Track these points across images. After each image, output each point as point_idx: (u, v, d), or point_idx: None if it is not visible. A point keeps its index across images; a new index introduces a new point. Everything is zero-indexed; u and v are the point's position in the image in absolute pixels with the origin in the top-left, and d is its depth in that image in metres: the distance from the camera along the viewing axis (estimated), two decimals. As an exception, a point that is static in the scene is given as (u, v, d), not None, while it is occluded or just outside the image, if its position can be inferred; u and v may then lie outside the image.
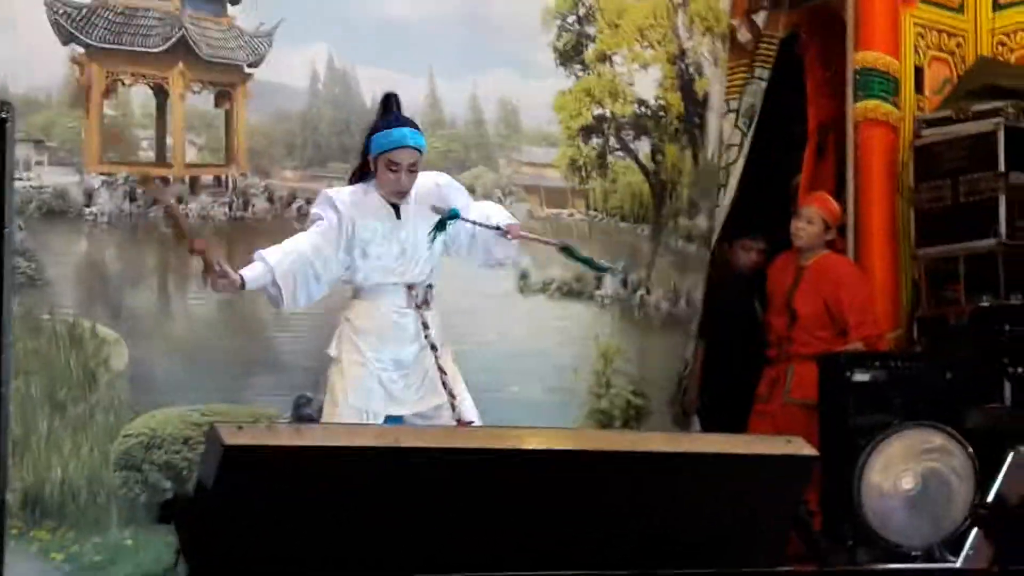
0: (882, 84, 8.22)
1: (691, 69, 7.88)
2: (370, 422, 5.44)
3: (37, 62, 6.17)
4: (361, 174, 5.71)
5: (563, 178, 7.46)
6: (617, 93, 7.58)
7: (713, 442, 4.50)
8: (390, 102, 5.71)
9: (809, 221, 7.71)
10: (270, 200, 6.53)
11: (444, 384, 5.51)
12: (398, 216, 5.67)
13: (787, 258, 7.87)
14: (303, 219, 6.13)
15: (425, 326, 5.61)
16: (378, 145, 5.60)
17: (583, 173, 7.49)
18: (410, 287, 5.64)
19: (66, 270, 6.21)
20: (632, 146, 7.65)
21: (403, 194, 5.65)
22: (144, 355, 6.31)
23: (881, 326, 7.71)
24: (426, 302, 5.66)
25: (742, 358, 7.97)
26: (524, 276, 7.24)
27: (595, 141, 7.53)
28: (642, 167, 7.67)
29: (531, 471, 3.90)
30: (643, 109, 7.66)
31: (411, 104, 6.89)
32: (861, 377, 7.22)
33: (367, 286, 5.63)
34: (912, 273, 8.19)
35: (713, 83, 7.97)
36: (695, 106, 7.91)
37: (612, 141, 7.58)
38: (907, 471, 6.85)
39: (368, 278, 5.62)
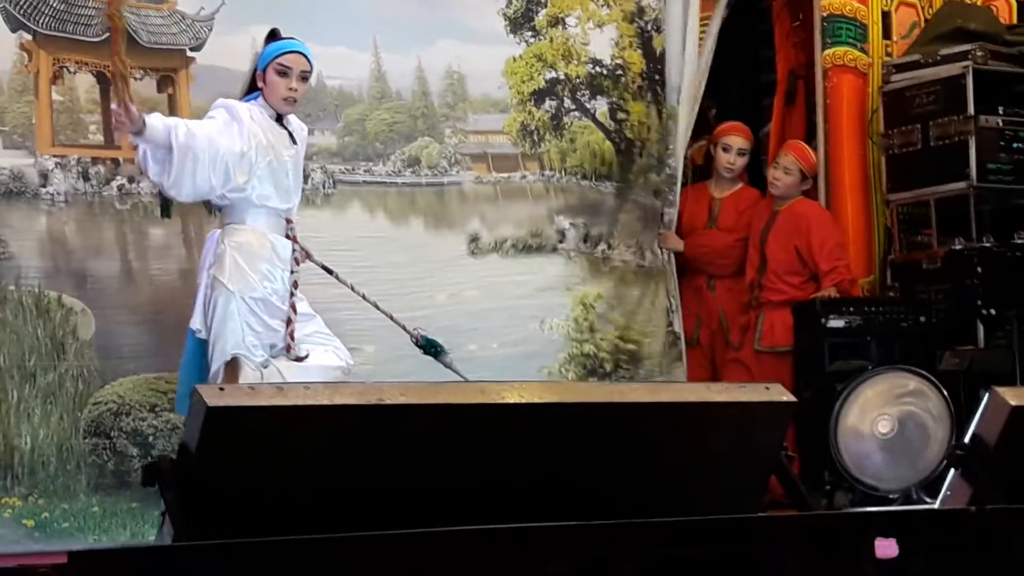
0: (850, 30, 8.24)
1: (649, 26, 7.87)
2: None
3: None
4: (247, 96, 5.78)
5: (513, 143, 7.50)
6: (571, 55, 7.60)
7: (693, 391, 4.53)
8: (276, 34, 5.81)
9: (786, 171, 7.76)
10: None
11: (289, 321, 5.64)
12: (293, 141, 5.76)
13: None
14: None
15: (297, 262, 5.72)
16: (267, 55, 5.72)
17: (535, 137, 7.53)
18: (288, 220, 5.75)
19: (29, 244, 6.29)
20: (588, 106, 7.67)
21: (293, 102, 5.74)
22: (110, 324, 6.39)
23: (854, 271, 7.75)
24: (295, 237, 5.76)
25: None
26: (475, 239, 7.29)
27: (548, 104, 7.57)
28: (601, 126, 7.70)
29: (513, 425, 3.92)
30: (598, 69, 7.67)
31: (358, 78, 6.98)
32: (836, 323, 7.28)
33: (255, 207, 5.66)
34: (884, 219, 8.23)
35: (671, 38, 7.93)
36: (654, 62, 7.90)
37: (567, 103, 7.60)
38: (883, 415, 6.92)
39: (261, 196, 5.66)
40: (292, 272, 5.69)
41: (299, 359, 5.63)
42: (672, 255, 7.92)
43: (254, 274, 5.60)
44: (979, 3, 8.56)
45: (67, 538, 6.09)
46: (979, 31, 8.07)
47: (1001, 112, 7.80)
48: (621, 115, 7.74)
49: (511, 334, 6.87)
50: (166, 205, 5.99)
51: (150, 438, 6.31)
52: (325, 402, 3.66)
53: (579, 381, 7.19)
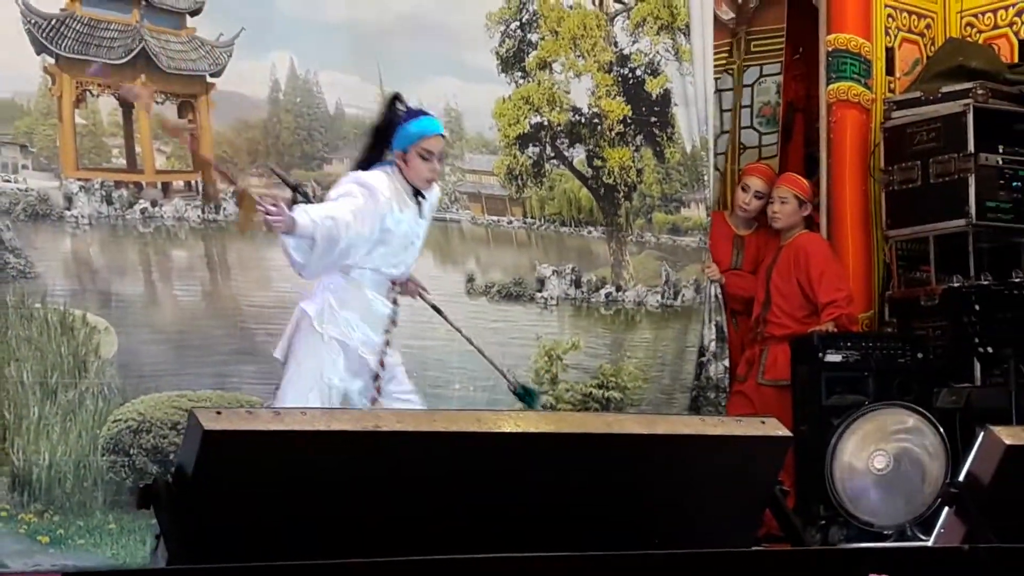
0: (854, 66, 8.26)
1: (639, 71, 7.90)
2: (331, 395, 5.72)
3: (18, 69, 6.29)
4: (368, 164, 5.88)
5: (501, 186, 7.53)
6: (555, 101, 7.64)
7: (688, 424, 4.53)
8: (398, 99, 5.92)
9: (783, 201, 7.81)
10: (239, 204, 6.61)
11: (377, 376, 5.80)
12: (420, 214, 5.91)
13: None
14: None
15: (394, 322, 5.88)
16: (412, 135, 5.80)
17: (519, 182, 7.57)
18: (393, 282, 5.86)
19: (55, 264, 6.33)
20: (567, 153, 7.71)
21: (432, 182, 5.88)
22: (133, 343, 6.42)
23: (852, 306, 7.76)
24: (396, 300, 5.92)
25: None
26: (471, 279, 7.34)
27: (532, 150, 7.61)
28: (577, 173, 7.73)
29: (508, 453, 3.92)
30: (577, 117, 7.71)
31: (370, 109, 7.04)
32: (833, 358, 7.28)
33: (364, 270, 5.80)
34: (883, 255, 8.25)
35: (677, 77, 7.98)
36: (648, 106, 7.92)
37: (548, 149, 7.63)
38: (879, 451, 6.92)
39: (372, 263, 5.81)
40: (386, 332, 5.84)
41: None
42: (718, 288, 7.94)
43: (341, 319, 5.74)
44: (981, 42, 8.59)
45: (83, 554, 6.10)
46: (980, 69, 8.09)
47: (1001, 150, 7.81)
48: (598, 162, 7.77)
49: (486, 379, 6.90)
50: None
51: (170, 456, 6.31)
52: (322, 427, 3.66)
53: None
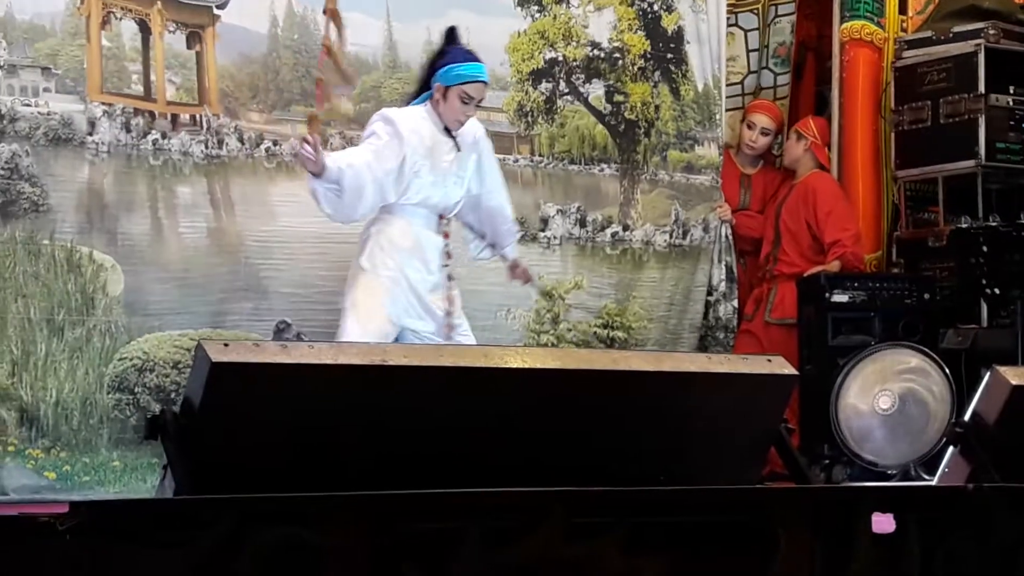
0: (868, 4, 8.21)
1: (656, 7, 7.84)
2: (393, 336, 5.83)
3: None
4: (418, 94, 6.02)
5: (509, 123, 7.48)
6: (571, 35, 7.58)
7: (694, 361, 4.54)
8: (455, 34, 6.02)
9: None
10: (240, 140, 6.61)
11: (448, 313, 5.92)
12: (458, 148, 5.98)
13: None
14: (272, 159, 6.57)
15: (448, 255, 5.97)
16: (456, 76, 5.89)
17: (530, 119, 7.52)
18: (441, 216, 5.97)
19: (67, 197, 6.28)
20: (582, 89, 7.65)
21: (462, 124, 5.96)
22: (139, 281, 6.41)
23: (859, 245, 7.74)
24: (448, 233, 5.99)
25: None
26: None
27: (544, 86, 7.53)
28: (593, 110, 7.68)
29: (514, 389, 3.94)
30: (596, 52, 7.65)
31: (373, 46, 7.02)
32: (840, 298, 7.28)
33: (406, 206, 5.87)
34: (892, 195, 8.23)
35: (690, 15, 7.93)
36: (664, 42, 7.88)
37: (562, 85, 7.58)
38: (884, 391, 6.93)
39: (411, 199, 5.87)
40: (445, 266, 5.93)
41: None
42: (728, 228, 7.92)
43: (390, 260, 5.82)
44: (994, -19, 8.53)
45: (87, 491, 6.13)
46: (992, 9, 8.04)
47: (1012, 91, 7.78)
48: (619, 97, 7.71)
49: (483, 319, 6.87)
50: None
51: (172, 395, 6.33)
52: (328, 361, 3.68)
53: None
